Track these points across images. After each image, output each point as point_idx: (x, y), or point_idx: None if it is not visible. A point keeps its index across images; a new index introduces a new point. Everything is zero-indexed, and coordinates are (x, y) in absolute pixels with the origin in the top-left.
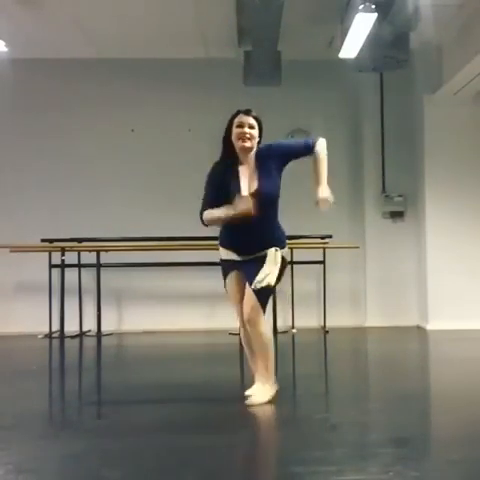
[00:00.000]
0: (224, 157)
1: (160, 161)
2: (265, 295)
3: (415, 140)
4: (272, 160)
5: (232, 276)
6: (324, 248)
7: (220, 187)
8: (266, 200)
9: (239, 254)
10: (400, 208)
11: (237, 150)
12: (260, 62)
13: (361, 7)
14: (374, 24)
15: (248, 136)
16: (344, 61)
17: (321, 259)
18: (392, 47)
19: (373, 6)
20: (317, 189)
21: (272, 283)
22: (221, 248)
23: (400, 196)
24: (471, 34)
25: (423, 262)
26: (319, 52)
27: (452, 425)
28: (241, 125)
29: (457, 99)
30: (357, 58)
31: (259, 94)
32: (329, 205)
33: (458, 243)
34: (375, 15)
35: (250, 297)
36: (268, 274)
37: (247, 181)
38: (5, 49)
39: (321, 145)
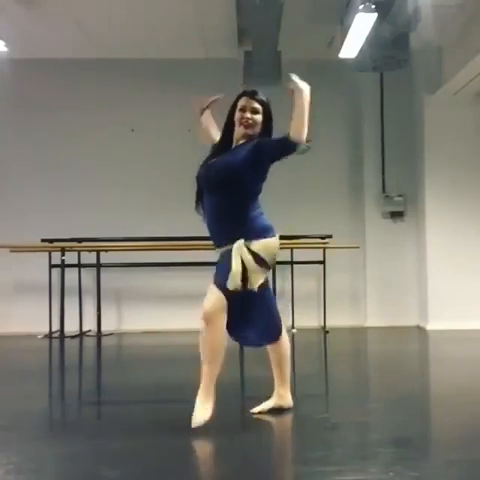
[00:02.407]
0: (220, 142)
1: (160, 161)
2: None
3: (415, 140)
4: (250, 146)
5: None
6: (324, 248)
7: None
8: (221, 173)
9: (214, 245)
10: (400, 208)
11: (237, 136)
12: (260, 62)
13: (361, 7)
14: (374, 24)
15: (250, 122)
16: (344, 61)
17: (321, 259)
18: (392, 47)
19: (373, 6)
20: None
21: (236, 286)
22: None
23: (400, 196)
24: (471, 34)
25: (423, 262)
26: (319, 52)
27: (452, 425)
28: (243, 109)
29: (457, 99)
30: (357, 58)
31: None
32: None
33: (458, 243)
34: (375, 15)
35: (209, 292)
36: (233, 274)
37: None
38: (5, 49)
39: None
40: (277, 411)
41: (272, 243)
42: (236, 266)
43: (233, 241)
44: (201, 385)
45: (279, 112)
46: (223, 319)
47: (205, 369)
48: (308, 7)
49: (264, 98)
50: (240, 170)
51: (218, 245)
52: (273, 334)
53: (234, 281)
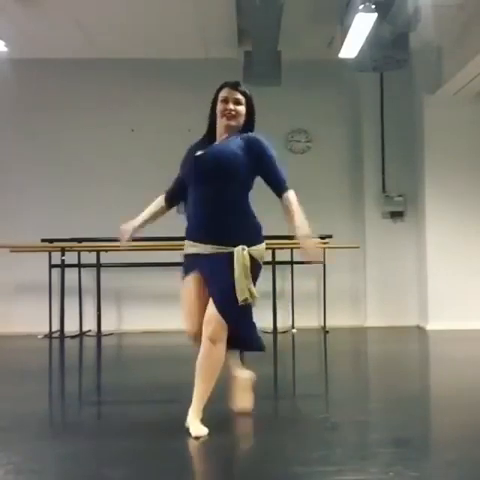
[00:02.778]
0: (205, 136)
1: (160, 161)
2: (235, 311)
3: (415, 140)
4: (249, 150)
5: (190, 280)
6: (324, 248)
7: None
8: (215, 165)
9: (195, 240)
10: (400, 208)
11: (220, 129)
12: (260, 62)
13: (361, 7)
14: (374, 24)
15: (233, 113)
16: (344, 61)
17: (321, 259)
18: (392, 47)
19: (373, 6)
20: (295, 232)
21: (248, 296)
22: (185, 241)
23: (400, 196)
24: (471, 34)
25: (423, 262)
26: (319, 52)
27: (452, 425)
28: (225, 100)
29: (457, 99)
30: (357, 58)
31: (259, 94)
32: (315, 248)
33: (458, 243)
34: (375, 15)
35: (211, 310)
36: (241, 288)
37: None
38: (5, 49)
39: (294, 196)
40: (276, 412)
41: (264, 248)
42: (240, 276)
43: (228, 243)
44: (196, 402)
45: (279, 112)
46: (225, 336)
47: (204, 387)
48: (308, 7)
49: (246, 90)
50: (234, 159)
51: (203, 241)
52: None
53: (245, 293)
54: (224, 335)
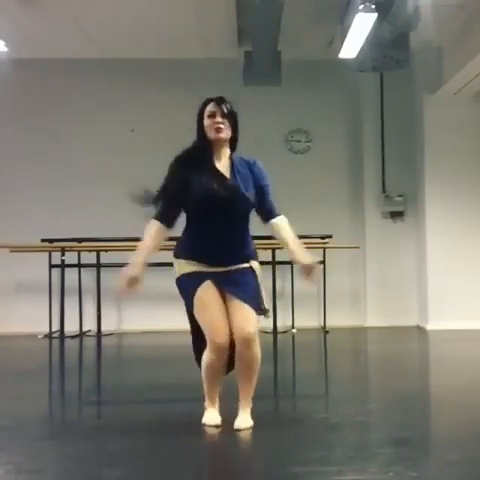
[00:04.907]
0: (196, 148)
1: (160, 161)
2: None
3: (415, 140)
4: (252, 178)
5: (208, 285)
6: (324, 248)
7: (190, 179)
8: (242, 203)
9: (210, 265)
10: (400, 208)
11: (210, 143)
12: (260, 62)
13: (361, 7)
14: (374, 24)
15: (222, 126)
16: (344, 61)
17: (321, 259)
18: (392, 47)
19: (373, 6)
20: (296, 257)
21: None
22: (182, 262)
23: (400, 196)
24: (471, 34)
25: (423, 262)
26: (319, 52)
27: (452, 425)
28: (213, 115)
29: (457, 99)
30: (357, 58)
31: (259, 94)
32: (317, 271)
33: (458, 243)
34: (375, 15)
35: (248, 311)
36: (264, 298)
37: (228, 180)
38: (5, 49)
39: (284, 220)
40: (275, 412)
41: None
42: (261, 287)
43: (241, 262)
44: (247, 401)
45: (279, 112)
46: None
47: (254, 380)
48: (308, 7)
49: (230, 105)
50: (249, 198)
51: (220, 265)
52: None
53: (266, 307)
54: (256, 334)
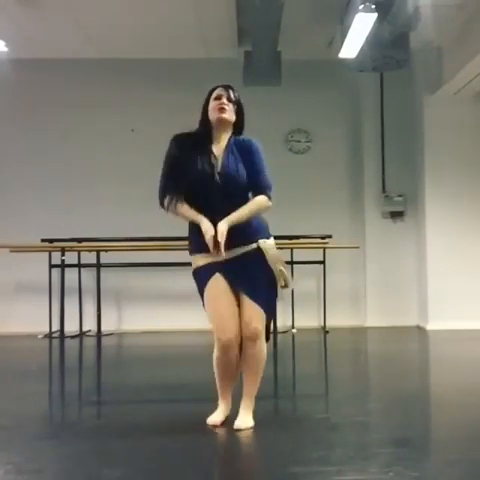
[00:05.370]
0: (197, 132)
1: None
2: (274, 304)
3: (415, 140)
4: (243, 156)
5: (218, 279)
6: (324, 248)
7: (186, 163)
8: (231, 181)
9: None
10: (400, 208)
11: (213, 125)
12: (260, 62)
13: (361, 7)
14: (374, 24)
15: (226, 107)
16: (344, 61)
17: (321, 259)
18: (392, 47)
19: (373, 6)
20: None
21: (284, 282)
22: (197, 256)
23: (400, 196)
24: (471, 34)
25: (423, 262)
26: (319, 52)
27: (452, 425)
28: (219, 97)
29: (457, 99)
30: (357, 58)
31: (259, 94)
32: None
33: (458, 243)
34: (375, 15)
35: (257, 310)
36: (284, 271)
37: (220, 161)
38: (5, 49)
39: (262, 199)
40: (276, 412)
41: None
42: (276, 262)
43: (246, 244)
44: (250, 399)
45: (279, 112)
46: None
47: (257, 384)
48: (308, 7)
49: (237, 94)
50: (242, 176)
51: (227, 247)
52: None
53: (289, 277)
54: (263, 330)
